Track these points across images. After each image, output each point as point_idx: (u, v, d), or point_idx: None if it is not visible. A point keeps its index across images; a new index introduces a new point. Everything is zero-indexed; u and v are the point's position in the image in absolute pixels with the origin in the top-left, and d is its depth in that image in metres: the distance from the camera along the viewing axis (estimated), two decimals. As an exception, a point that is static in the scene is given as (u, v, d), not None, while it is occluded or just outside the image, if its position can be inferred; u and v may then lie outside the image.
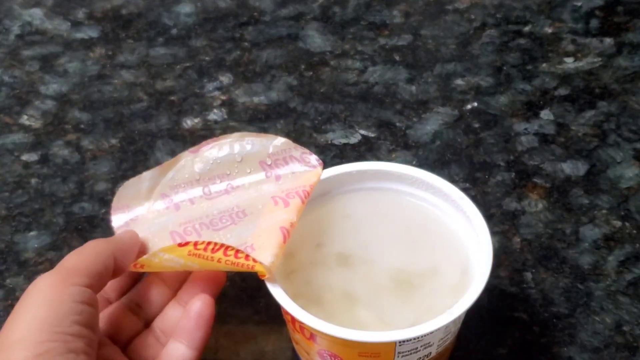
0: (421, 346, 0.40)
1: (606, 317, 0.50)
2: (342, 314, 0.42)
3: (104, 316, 0.44)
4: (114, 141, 0.62)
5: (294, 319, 0.40)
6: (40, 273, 0.53)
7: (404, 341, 0.39)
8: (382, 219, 0.47)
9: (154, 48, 0.71)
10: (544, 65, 0.68)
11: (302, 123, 0.63)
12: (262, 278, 0.41)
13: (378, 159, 0.60)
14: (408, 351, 0.40)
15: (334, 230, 0.47)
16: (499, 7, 0.74)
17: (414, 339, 0.39)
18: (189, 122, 0.64)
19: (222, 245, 0.40)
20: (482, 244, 0.42)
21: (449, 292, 0.43)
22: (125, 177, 0.59)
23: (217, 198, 0.46)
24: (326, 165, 0.47)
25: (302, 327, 0.40)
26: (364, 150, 0.61)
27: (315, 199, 0.46)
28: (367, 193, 0.48)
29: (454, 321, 0.39)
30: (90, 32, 0.72)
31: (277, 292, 0.40)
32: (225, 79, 0.68)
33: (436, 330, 0.39)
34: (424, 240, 0.46)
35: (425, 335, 0.39)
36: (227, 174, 0.46)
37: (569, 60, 0.68)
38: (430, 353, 0.42)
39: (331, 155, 0.60)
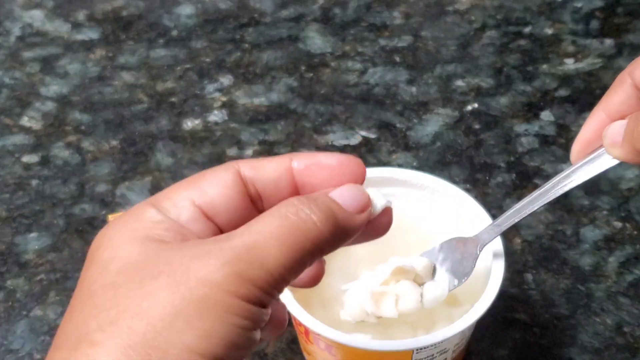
0: (437, 353, 0.40)
1: (607, 318, 0.50)
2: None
3: None
4: (114, 142, 0.62)
5: (307, 331, 0.40)
6: (40, 275, 0.53)
7: (421, 349, 0.39)
8: (395, 228, 0.46)
9: (155, 49, 0.71)
10: (545, 66, 0.68)
11: (303, 124, 0.63)
12: None
13: (378, 160, 0.60)
14: (424, 358, 0.40)
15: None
16: (499, 8, 0.74)
17: (431, 346, 0.38)
18: (189, 124, 0.64)
19: None
20: (495, 250, 0.42)
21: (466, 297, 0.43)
22: (125, 178, 0.59)
23: None
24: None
25: (317, 338, 0.40)
26: (364, 152, 0.61)
27: None
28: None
29: (469, 327, 0.39)
30: (90, 34, 0.72)
31: (292, 305, 0.40)
32: (225, 80, 0.68)
33: (452, 337, 0.39)
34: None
35: (441, 342, 0.39)
36: None
37: (570, 61, 0.68)
38: (446, 359, 0.42)
39: (331, 156, 0.60)
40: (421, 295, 0.39)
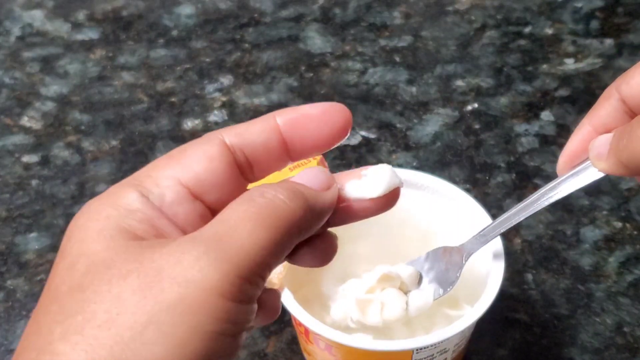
0: (437, 352, 0.40)
1: (607, 318, 0.50)
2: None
3: None
4: (114, 142, 0.62)
5: (307, 331, 0.40)
6: (40, 275, 0.53)
7: (421, 349, 0.39)
8: (395, 228, 0.47)
9: (155, 49, 0.71)
10: (545, 66, 0.68)
11: (303, 124, 0.63)
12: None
13: (379, 160, 0.60)
14: (424, 358, 0.40)
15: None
16: (499, 8, 0.74)
17: (431, 346, 0.39)
18: (189, 124, 0.64)
19: None
20: (495, 250, 0.42)
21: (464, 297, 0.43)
22: (125, 178, 0.59)
23: None
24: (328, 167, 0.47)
25: (317, 338, 0.40)
26: (364, 152, 0.61)
27: None
28: None
29: (469, 327, 0.39)
30: (90, 34, 0.72)
31: (292, 305, 0.40)
32: (225, 80, 0.68)
33: (452, 337, 0.39)
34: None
35: (441, 342, 0.39)
36: None
37: (570, 61, 0.68)
38: (446, 359, 0.42)
39: (332, 156, 0.60)
40: (406, 303, 0.39)
